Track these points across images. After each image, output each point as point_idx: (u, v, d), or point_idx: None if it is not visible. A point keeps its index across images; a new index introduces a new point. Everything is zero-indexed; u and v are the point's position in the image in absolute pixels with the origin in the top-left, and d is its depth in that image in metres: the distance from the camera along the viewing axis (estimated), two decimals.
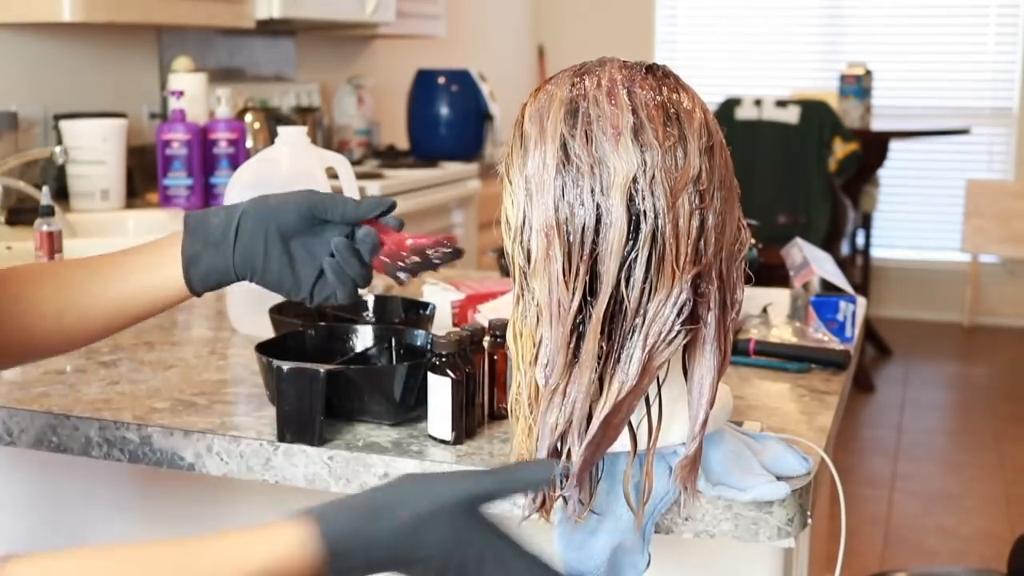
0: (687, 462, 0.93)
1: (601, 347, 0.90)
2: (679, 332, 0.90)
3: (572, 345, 0.90)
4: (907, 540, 3.18)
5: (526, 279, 0.92)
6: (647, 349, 0.89)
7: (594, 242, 0.89)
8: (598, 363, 0.90)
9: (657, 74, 0.94)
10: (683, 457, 0.94)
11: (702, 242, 0.90)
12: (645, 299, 0.89)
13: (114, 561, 0.70)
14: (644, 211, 0.88)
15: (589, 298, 0.89)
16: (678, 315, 0.89)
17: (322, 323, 1.34)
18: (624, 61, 0.95)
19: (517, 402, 0.95)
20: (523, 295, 0.93)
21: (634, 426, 0.94)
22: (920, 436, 4.08)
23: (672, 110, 0.91)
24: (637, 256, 0.88)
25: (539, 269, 0.91)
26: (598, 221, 0.88)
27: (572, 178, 0.89)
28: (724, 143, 0.93)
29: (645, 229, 0.88)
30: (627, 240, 0.88)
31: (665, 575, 1.09)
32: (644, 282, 0.89)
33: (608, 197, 0.88)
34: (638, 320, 0.89)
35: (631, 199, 0.88)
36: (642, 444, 0.94)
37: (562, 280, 0.89)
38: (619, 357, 0.90)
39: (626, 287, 0.89)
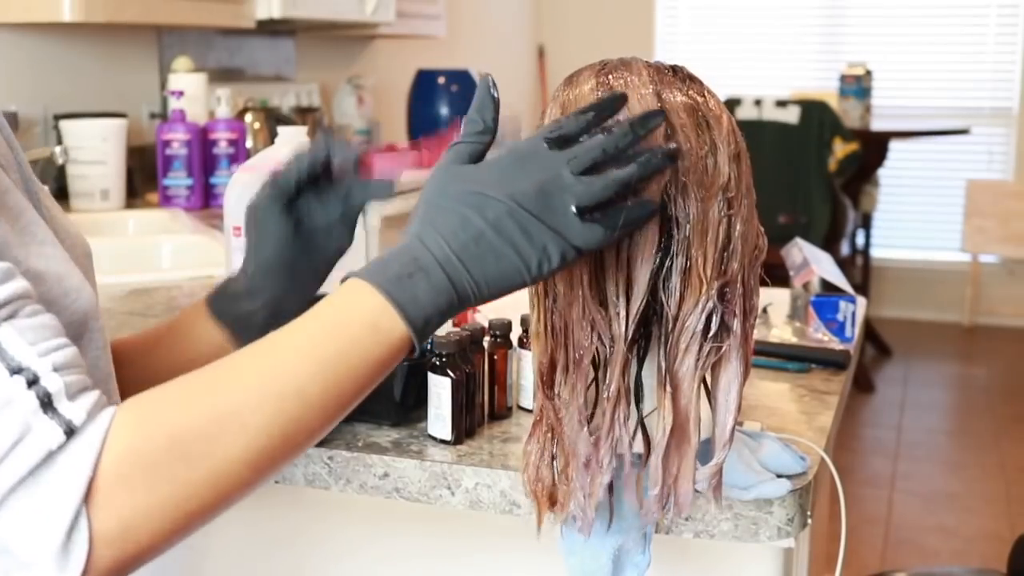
0: (715, 470, 0.93)
1: (657, 359, 0.90)
2: (714, 343, 0.89)
3: (605, 351, 0.89)
4: (907, 540, 3.18)
5: (551, 280, 0.91)
6: (693, 359, 0.89)
7: (626, 247, 0.87)
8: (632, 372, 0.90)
9: (682, 76, 0.92)
10: (712, 465, 0.93)
11: (730, 249, 0.89)
12: (680, 308, 0.88)
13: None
14: (677, 218, 0.87)
15: (627, 304, 0.88)
16: (707, 323, 0.89)
17: None
18: (647, 62, 0.93)
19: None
20: (545, 297, 0.92)
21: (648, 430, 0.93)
22: (920, 436, 4.09)
23: (701, 115, 0.89)
24: (672, 264, 0.88)
25: (563, 271, 0.89)
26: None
27: None
28: (746, 148, 0.93)
29: (678, 236, 0.87)
30: (658, 247, 0.87)
31: (665, 575, 1.09)
32: (680, 290, 0.88)
33: None
34: (678, 328, 0.89)
35: (662, 205, 0.87)
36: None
37: (587, 284, 0.88)
38: (671, 368, 0.89)
39: (664, 294, 0.88)
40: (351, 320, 0.74)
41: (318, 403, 0.72)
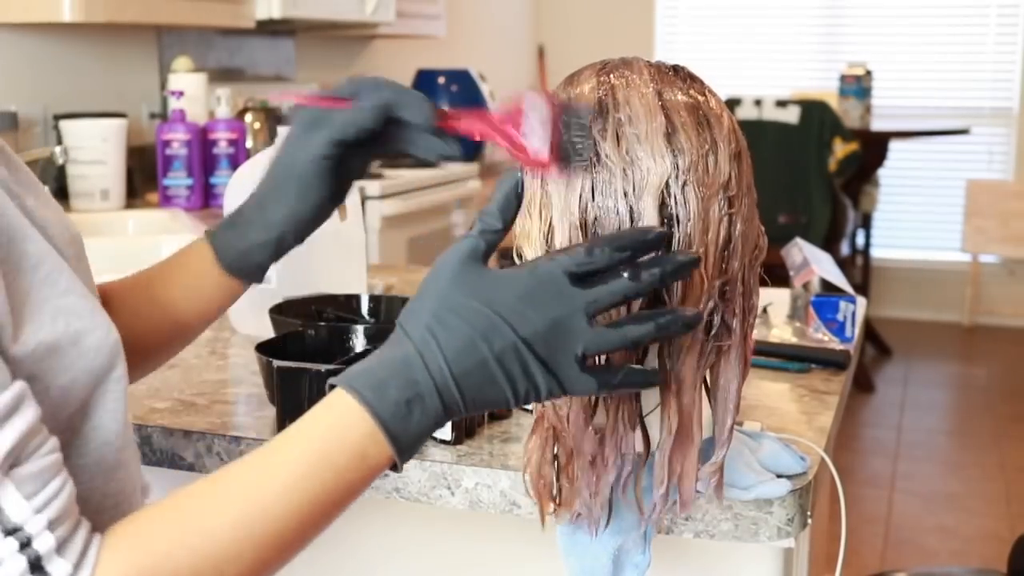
0: (715, 468, 0.93)
1: (657, 358, 0.89)
2: (715, 342, 0.89)
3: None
4: (907, 540, 3.18)
5: None
6: (695, 358, 0.89)
7: None
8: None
9: (683, 76, 0.93)
10: (711, 464, 0.93)
11: (730, 248, 0.89)
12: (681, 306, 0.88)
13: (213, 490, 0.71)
14: (677, 216, 0.87)
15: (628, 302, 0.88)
16: (708, 322, 0.89)
17: (322, 323, 1.34)
18: (648, 61, 0.93)
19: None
20: None
21: (647, 429, 0.93)
22: (920, 436, 4.09)
23: (702, 114, 0.90)
24: None
25: None
26: (630, 223, 0.87)
27: (602, 179, 0.87)
28: (747, 148, 0.93)
29: (678, 234, 0.87)
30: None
31: (665, 575, 1.09)
32: (681, 289, 0.88)
33: (640, 200, 0.87)
34: None
35: (663, 203, 0.87)
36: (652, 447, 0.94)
37: None
38: (673, 366, 0.89)
39: (665, 292, 0.88)
40: (339, 449, 0.71)
41: (296, 539, 0.72)
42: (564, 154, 0.83)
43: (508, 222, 0.76)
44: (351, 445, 0.71)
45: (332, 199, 0.96)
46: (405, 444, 0.72)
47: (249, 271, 0.98)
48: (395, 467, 0.73)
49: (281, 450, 0.72)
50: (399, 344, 0.74)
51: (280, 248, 0.98)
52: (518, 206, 0.76)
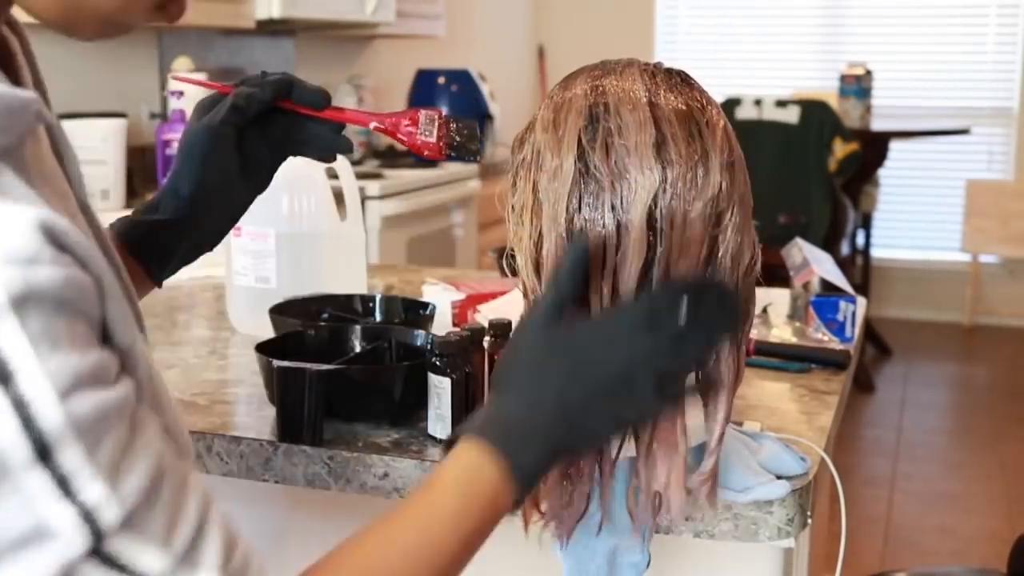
0: (706, 477, 0.93)
1: None
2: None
3: None
4: (907, 540, 3.18)
5: (539, 288, 0.91)
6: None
7: (613, 257, 0.87)
8: None
9: (678, 81, 0.91)
10: (699, 474, 0.92)
11: (717, 260, 0.88)
12: None
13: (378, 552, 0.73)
14: (663, 229, 0.86)
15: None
16: None
17: (322, 323, 1.34)
18: (644, 66, 0.92)
19: None
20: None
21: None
22: (920, 436, 4.09)
23: (695, 123, 0.88)
24: (659, 275, 0.87)
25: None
26: (617, 237, 0.86)
27: (591, 191, 0.87)
28: (743, 156, 0.91)
29: (664, 247, 0.86)
30: (645, 258, 0.87)
31: (665, 575, 1.09)
32: None
33: (628, 213, 0.86)
34: None
35: (651, 215, 0.86)
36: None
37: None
38: None
39: None
40: (476, 498, 0.76)
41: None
42: (450, 147, 1.00)
43: (579, 283, 0.82)
44: (485, 494, 0.76)
45: (243, 177, 0.97)
46: (527, 485, 0.77)
47: (153, 253, 0.96)
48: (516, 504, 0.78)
49: (422, 506, 0.76)
50: (504, 403, 0.78)
51: (189, 232, 0.97)
52: (586, 268, 0.83)
